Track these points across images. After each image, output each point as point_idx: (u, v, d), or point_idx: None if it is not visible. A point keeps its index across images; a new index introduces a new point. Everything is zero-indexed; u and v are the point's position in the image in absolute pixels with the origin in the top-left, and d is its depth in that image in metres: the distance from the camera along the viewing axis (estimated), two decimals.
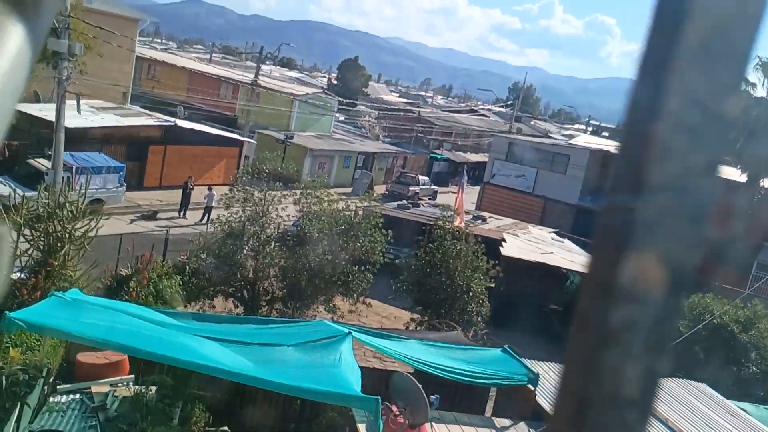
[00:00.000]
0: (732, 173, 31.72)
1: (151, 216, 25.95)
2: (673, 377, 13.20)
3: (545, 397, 10.82)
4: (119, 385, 9.98)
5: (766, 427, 11.26)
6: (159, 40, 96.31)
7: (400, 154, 49.96)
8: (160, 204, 27.50)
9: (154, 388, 9.66)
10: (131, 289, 13.93)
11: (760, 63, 30.41)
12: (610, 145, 43.47)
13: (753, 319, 16.27)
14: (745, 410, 12.12)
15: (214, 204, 24.60)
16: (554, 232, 28.50)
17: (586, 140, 46.44)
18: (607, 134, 78.13)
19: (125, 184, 25.65)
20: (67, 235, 12.85)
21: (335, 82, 79.16)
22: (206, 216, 25.56)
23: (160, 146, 29.72)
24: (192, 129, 30.68)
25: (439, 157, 53.58)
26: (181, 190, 27.49)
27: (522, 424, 10.53)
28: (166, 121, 30.43)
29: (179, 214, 26.84)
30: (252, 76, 40.11)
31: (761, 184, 30.24)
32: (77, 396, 9.58)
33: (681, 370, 14.71)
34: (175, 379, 9.68)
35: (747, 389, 15.00)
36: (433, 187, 44.12)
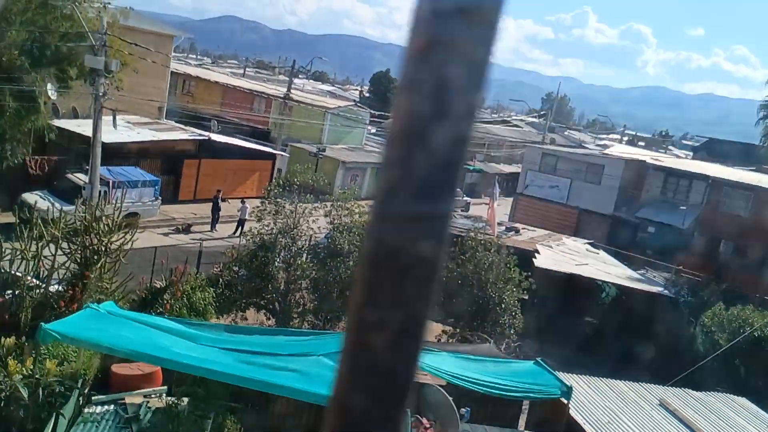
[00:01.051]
0: None
1: (186, 229, 26.30)
2: (713, 391, 12.88)
3: (579, 410, 10.64)
4: (152, 396, 10.10)
5: None
6: (194, 56, 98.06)
7: None
8: (194, 217, 27.86)
9: (186, 400, 9.76)
10: (165, 301, 14.13)
11: None
12: (645, 155, 42.82)
13: None
14: None
15: (247, 217, 24.83)
16: (589, 243, 28.10)
17: (621, 150, 45.81)
18: (643, 144, 76.96)
19: (160, 197, 26.05)
20: (103, 248, 13.09)
21: (367, 94, 79.56)
22: (239, 229, 25.80)
23: (195, 160, 30.14)
24: (225, 143, 31.09)
25: (471, 168, 53.35)
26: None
27: None
28: (200, 135, 30.88)
29: (211, 228, 27.15)
30: (285, 90, 40.53)
31: None
32: (111, 407, 9.71)
33: (721, 384, 14.33)
34: (207, 391, 9.76)
35: None
36: (465, 198, 43.90)
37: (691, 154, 63.53)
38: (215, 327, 11.40)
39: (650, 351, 18.50)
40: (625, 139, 78.16)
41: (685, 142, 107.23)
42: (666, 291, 22.19)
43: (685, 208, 33.40)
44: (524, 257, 19.74)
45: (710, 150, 55.27)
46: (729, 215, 32.06)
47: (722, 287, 21.69)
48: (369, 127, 52.44)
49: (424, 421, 9.29)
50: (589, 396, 11.35)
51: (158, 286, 14.69)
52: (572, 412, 10.49)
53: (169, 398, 9.97)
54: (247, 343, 10.08)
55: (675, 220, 32.97)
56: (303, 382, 8.79)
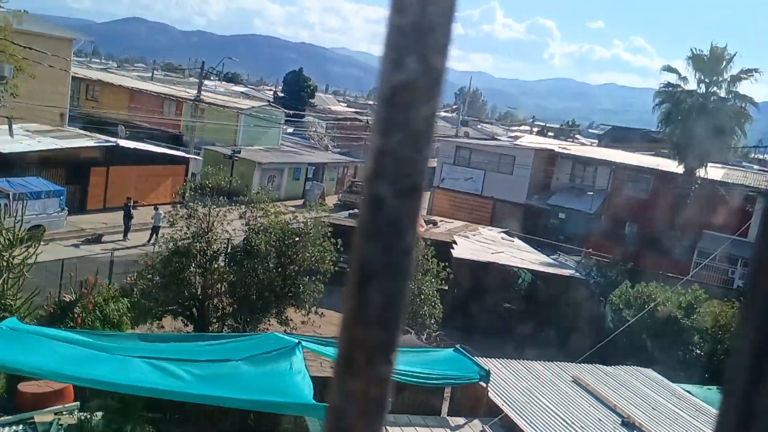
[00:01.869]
0: (669, 165, 32.76)
1: (96, 239, 25.37)
2: (621, 365, 13.54)
3: (497, 392, 10.97)
4: (64, 413, 9.73)
5: (710, 407, 11.63)
6: (98, 60, 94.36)
7: (350, 163, 50.01)
8: (105, 227, 26.91)
9: (100, 414, 9.45)
10: (76, 315, 13.63)
11: (691, 56, 31.46)
12: (554, 145, 44.39)
13: (694, 304, 16.81)
14: (689, 392, 12.50)
15: (161, 223, 24.19)
16: (504, 232, 28.92)
17: (531, 140, 47.30)
18: (552, 134, 79.69)
19: (66, 208, 25.02)
20: (4, 264, 12.50)
21: (281, 94, 78.81)
22: (154, 236, 25.12)
23: (102, 167, 29.12)
24: (135, 148, 30.15)
25: None
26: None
27: (476, 422, 10.65)
28: (107, 141, 29.84)
29: (123, 237, 26.31)
30: (195, 92, 39.66)
31: (698, 174, 31.25)
32: (20, 427, 9.30)
33: (630, 357, 15.10)
34: (122, 403, 9.49)
35: (692, 372, 15.48)
36: None
37: (596, 141, 66.31)
38: (129, 337, 11.10)
39: (564, 331, 19.27)
40: (535, 130, 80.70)
41: (591, 130, 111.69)
42: (577, 273, 23.14)
43: (592, 193, 34.90)
44: (442, 248, 20.12)
45: (614, 137, 57.88)
46: (632, 198, 33.72)
47: (628, 266, 22.80)
48: (285, 127, 52.01)
49: None
50: (507, 378, 11.72)
51: (68, 300, 14.15)
52: (491, 395, 10.81)
53: (81, 414, 9.63)
54: (163, 351, 9.86)
55: (583, 205, 34.40)
56: (222, 388, 8.69)
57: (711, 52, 31.17)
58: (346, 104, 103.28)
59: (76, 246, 24.19)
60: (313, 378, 9.08)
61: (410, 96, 0.54)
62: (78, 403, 10.02)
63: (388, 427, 9.88)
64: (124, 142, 30.30)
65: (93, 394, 9.84)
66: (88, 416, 9.41)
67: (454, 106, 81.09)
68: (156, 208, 26.47)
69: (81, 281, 14.80)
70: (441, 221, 28.53)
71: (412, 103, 0.55)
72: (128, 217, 26.65)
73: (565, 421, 10.34)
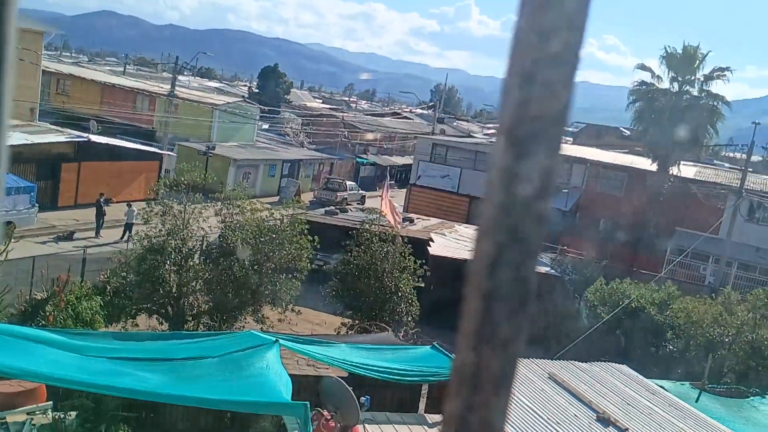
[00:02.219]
0: (643, 163, 33.18)
1: (68, 236, 24.98)
2: (596, 361, 13.68)
3: None
4: (36, 413, 9.55)
5: (683, 402, 11.81)
6: (68, 54, 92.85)
7: (326, 160, 49.85)
8: (76, 224, 26.49)
9: (74, 414, 9.30)
10: (48, 313, 13.38)
11: (665, 55, 31.83)
12: None
13: (667, 301, 17.05)
14: (663, 387, 12.67)
15: (134, 220, 23.89)
16: None
17: None
18: None
19: (37, 204, 24.58)
20: None
21: (256, 90, 78.27)
22: (127, 233, 24.80)
23: (74, 163, 28.66)
24: (107, 144, 29.72)
25: (365, 161, 53.76)
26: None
27: None
28: (79, 137, 29.36)
29: (96, 234, 25.94)
30: (169, 87, 39.19)
31: (670, 171, 31.68)
32: None
33: (604, 353, 15.26)
34: (96, 402, 9.34)
35: (665, 367, 15.70)
36: (360, 191, 44.18)
37: (571, 139, 66.90)
38: (103, 336, 10.92)
39: (540, 328, 19.41)
40: None
41: (565, 128, 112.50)
42: (552, 271, 23.32)
43: (567, 191, 35.19)
44: (419, 246, 20.15)
45: (588, 135, 58.44)
46: (606, 196, 34.10)
47: (602, 264, 23.05)
48: (260, 123, 51.67)
49: (325, 412, 9.32)
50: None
51: (39, 298, 13.89)
52: None
53: (55, 413, 9.47)
54: (138, 350, 9.72)
55: (558, 202, 34.67)
56: (198, 388, 8.59)
57: (684, 51, 31.58)
58: (321, 100, 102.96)
59: (48, 243, 23.79)
60: (290, 376, 9.03)
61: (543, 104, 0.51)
62: (51, 402, 9.84)
63: (366, 425, 9.86)
64: (96, 138, 29.84)
65: (66, 394, 9.68)
66: (62, 416, 9.25)
67: (431, 104, 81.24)
68: (129, 205, 26.12)
69: (53, 279, 14.55)
70: (418, 218, 28.58)
71: (545, 117, 0.52)
72: (101, 214, 26.27)
73: (541, 417, 10.41)
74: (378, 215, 19.11)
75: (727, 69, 31.95)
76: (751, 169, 33.26)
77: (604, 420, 10.41)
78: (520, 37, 0.52)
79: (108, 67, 69.93)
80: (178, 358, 9.40)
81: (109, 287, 14.99)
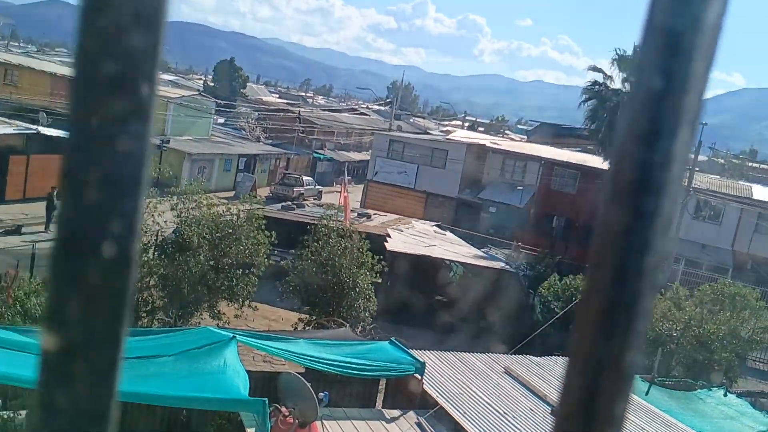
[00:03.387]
0: (595, 161, 33.88)
1: (16, 231, 24.27)
2: (550, 355, 13.95)
3: (432, 384, 11.11)
4: None
5: (634, 395, 12.13)
6: (17, 44, 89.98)
7: (282, 155, 49.49)
8: (25, 218, 25.75)
9: (24, 413, 9.06)
10: None
11: (616, 57, 32.55)
12: (485, 139, 45.19)
13: None
14: None
15: None
16: (436, 225, 29.27)
17: (463, 135, 47.98)
18: (482, 129, 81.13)
19: None
20: None
21: (212, 84, 77.17)
22: None
23: (22, 156, 27.85)
24: (58, 136, 28.91)
25: (322, 157, 53.57)
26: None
27: (411, 413, 10.76)
28: (28, 129, 28.52)
29: (45, 229, 25.24)
30: None
31: None
32: None
33: (558, 348, 15.56)
34: None
35: None
36: (317, 187, 44.04)
37: (525, 137, 67.89)
38: None
39: (496, 323, 19.69)
40: (466, 125, 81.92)
41: (520, 126, 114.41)
42: (507, 266, 23.67)
43: (521, 188, 35.73)
44: (376, 241, 20.20)
45: (542, 133, 59.37)
46: (559, 193, 34.72)
47: (556, 260, 23.48)
48: (216, 117, 50.97)
49: (283, 409, 9.28)
50: (441, 370, 11.89)
51: None
52: (426, 387, 10.94)
53: (4, 413, 9.20)
54: None
55: (513, 199, 35.19)
56: (154, 385, 8.46)
57: (634, 53, 32.28)
58: (278, 95, 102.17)
59: None
60: (247, 373, 8.96)
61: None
62: (0, 401, 9.58)
63: (324, 421, 9.86)
64: (45, 130, 29.02)
65: (15, 393, 9.42)
66: (12, 415, 9.00)
67: (388, 100, 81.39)
68: None
69: (0, 274, 14.12)
70: (375, 214, 28.63)
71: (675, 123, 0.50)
72: (52, 208, 25.58)
73: (498, 411, 10.58)
74: (336, 211, 19.08)
75: None
76: (697, 169, 34.27)
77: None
78: None
79: (58, 58, 68.03)
80: (133, 357, 9.24)
81: None
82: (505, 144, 44.78)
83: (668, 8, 0.49)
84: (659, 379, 14.37)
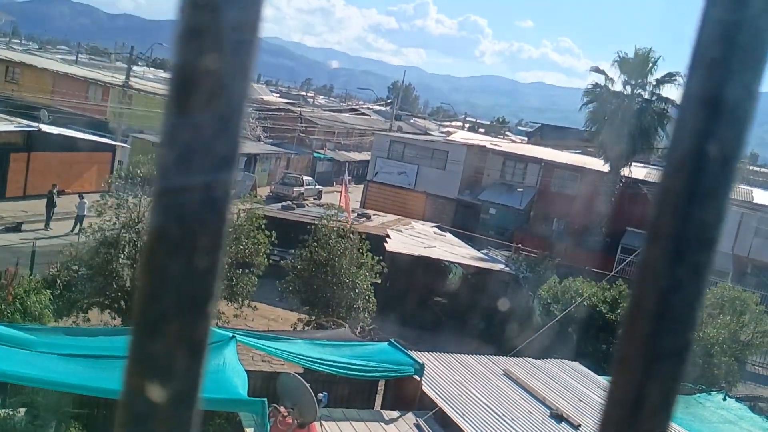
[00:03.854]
0: (595, 163, 33.90)
1: (16, 228, 24.27)
2: (549, 358, 13.95)
3: (431, 386, 11.11)
4: None
5: None
6: (18, 41, 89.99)
7: (282, 155, 49.48)
8: (25, 215, 25.75)
9: (23, 410, 9.06)
10: None
11: (617, 59, 32.57)
12: (485, 141, 45.20)
13: (618, 299, 17.48)
14: None
15: (86, 212, 23.35)
16: (436, 226, 29.26)
17: (463, 136, 47.97)
18: (482, 130, 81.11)
19: None
20: None
21: None
22: (78, 225, 24.21)
23: (23, 153, 27.85)
24: (59, 134, 28.91)
25: (322, 156, 53.56)
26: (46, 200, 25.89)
27: (410, 415, 10.75)
28: (29, 126, 28.51)
29: (45, 226, 25.25)
30: (123, 77, 38.35)
31: (622, 172, 32.42)
32: None
33: (557, 351, 15.57)
34: (47, 399, 9.12)
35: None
36: (317, 187, 44.03)
37: (525, 139, 67.90)
38: (53, 331, 10.66)
39: (495, 325, 19.69)
40: (467, 126, 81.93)
41: (520, 128, 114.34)
42: (507, 268, 23.65)
43: (521, 189, 35.73)
44: (376, 242, 20.19)
45: (542, 135, 59.40)
46: (560, 195, 34.72)
47: (555, 262, 23.48)
48: None
49: (282, 409, 9.28)
50: (440, 371, 11.88)
51: None
52: (425, 388, 10.94)
53: (3, 410, 9.20)
54: (89, 345, 9.52)
55: (513, 201, 35.19)
56: None
57: (636, 55, 32.36)
58: (278, 95, 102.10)
59: None
60: (246, 372, 8.96)
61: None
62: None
63: (323, 422, 9.86)
64: (46, 128, 29.01)
65: (15, 390, 9.42)
66: (11, 413, 9.00)
67: (388, 100, 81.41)
68: (81, 197, 25.51)
69: (0, 272, 14.11)
70: (374, 215, 28.62)
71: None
72: (52, 206, 25.60)
73: (496, 413, 10.57)
74: (336, 211, 19.07)
75: (677, 74, 32.84)
76: None
77: (557, 416, 10.63)
78: None
79: (59, 56, 68.06)
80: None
81: (59, 281, 14.63)
82: (505, 145, 44.78)
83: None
84: None
